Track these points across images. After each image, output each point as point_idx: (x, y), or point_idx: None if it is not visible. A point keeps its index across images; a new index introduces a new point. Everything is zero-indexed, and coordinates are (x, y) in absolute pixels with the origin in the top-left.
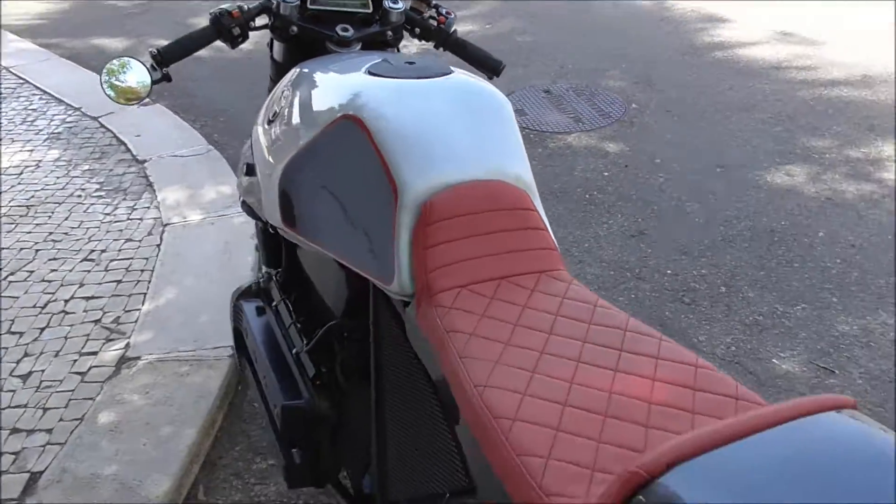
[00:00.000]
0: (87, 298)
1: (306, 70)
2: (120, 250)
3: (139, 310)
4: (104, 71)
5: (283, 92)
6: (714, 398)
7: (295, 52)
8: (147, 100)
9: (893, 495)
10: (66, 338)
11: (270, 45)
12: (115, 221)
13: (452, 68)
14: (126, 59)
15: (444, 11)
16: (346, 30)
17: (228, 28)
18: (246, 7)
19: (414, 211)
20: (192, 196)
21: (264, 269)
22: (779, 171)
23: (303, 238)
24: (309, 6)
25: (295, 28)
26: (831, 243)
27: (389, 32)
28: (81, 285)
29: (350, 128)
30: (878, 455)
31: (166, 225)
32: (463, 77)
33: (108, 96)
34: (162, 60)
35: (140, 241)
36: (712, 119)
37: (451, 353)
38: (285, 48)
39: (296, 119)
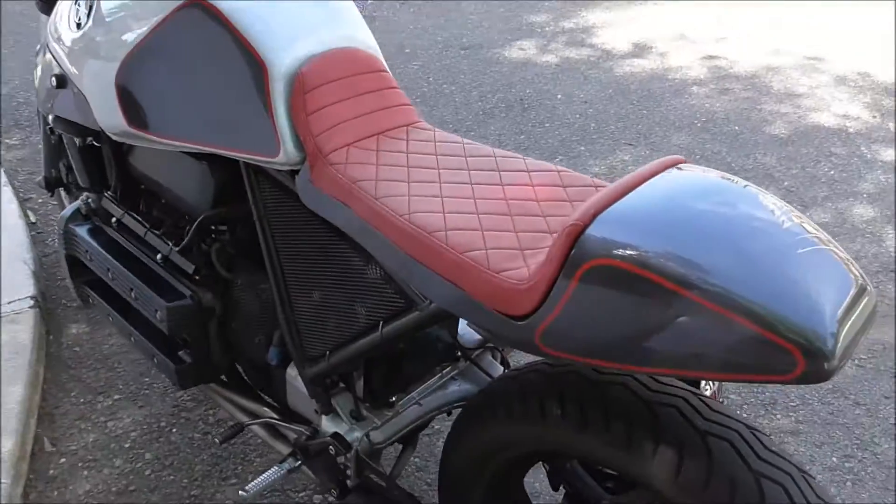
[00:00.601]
0: None
1: None
2: None
3: None
4: None
5: None
6: (579, 189)
7: None
8: None
9: (733, 204)
10: None
11: None
12: None
13: None
14: None
15: None
16: None
17: None
18: None
19: (286, 82)
20: None
21: (86, 192)
22: (513, 46)
23: (156, 137)
24: None
25: None
26: (569, 102)
27: None
28: None
29: (197, 13)
30: (716, 183)
31: None
32: None
33: None
34: None
35: None
36: (445, 6)
37: (366, 199)
38: None
39: (121, 15)
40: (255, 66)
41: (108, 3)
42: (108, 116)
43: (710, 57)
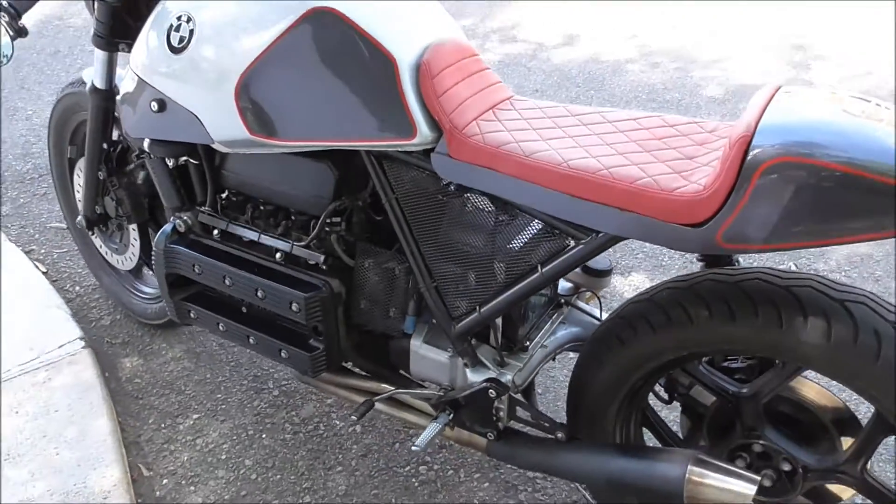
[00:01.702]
0: None
1: None
2: None
3: None
4: None
5: (180, 18)
6: (683, 125)
7: None
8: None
9: (840, 106)
10: None
11: None
12: None
13: None
14: None
15: None
16: None
17: None
18: None
19: (412, 72)
20: None
21: (177, 212)
22: None
23: (282, 141)
24: None
25: None
26: (522, 92)
27: None
28: None
29: (325, 18)
30: (820, 94)
31: None
32: None
33: None
34: (17, 14)
35: None
36: None
37: (517, 158)
38: None
39: (233, 32)
40: (384, 61)
41: (212, 25)
42: (225, 129)
43: (634, 36)
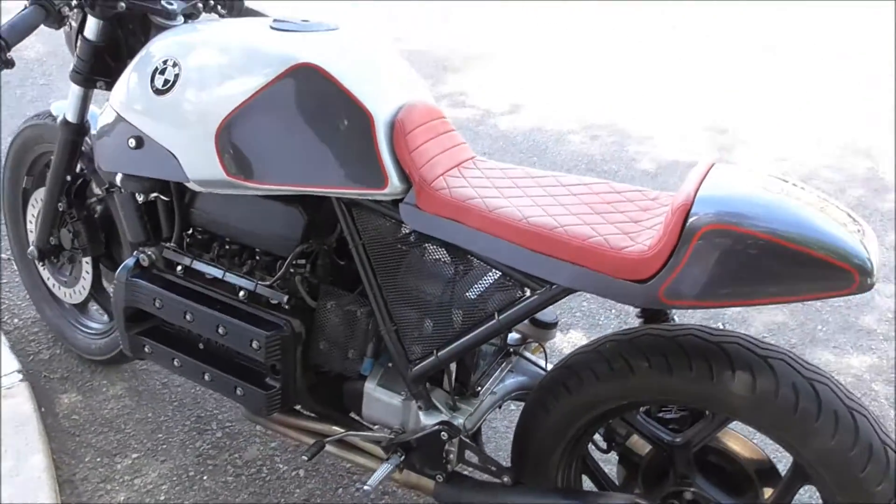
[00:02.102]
0: None
1: (186, 39)
2: None
3: None
4: None
5: (165, 62)
6: (630, 192)
7: (114, 29)
8: None
9: (770, 184)
10: None
11: (80, 28)
12: None
13: (334, 23)
14: None
15: None
16: (170, 3)
17: (58, 9)
18: None
19: (387, 128)
20: None
21: (140, 246)
22: None
23: (257, 184)
24: None
25: (123, 4)
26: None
27: (200, 4)
28: None
29: (308, 74)
30: (750, 174)
31: None
32: (352, 29)
33: None
34: (6, 46)
35: None
36: None
37: (480, 212)
38: (104, 26)
39: (218, 80)
40: (362, 116)
41: (198, 70)
42: (202, 169)
43: (575, 110)
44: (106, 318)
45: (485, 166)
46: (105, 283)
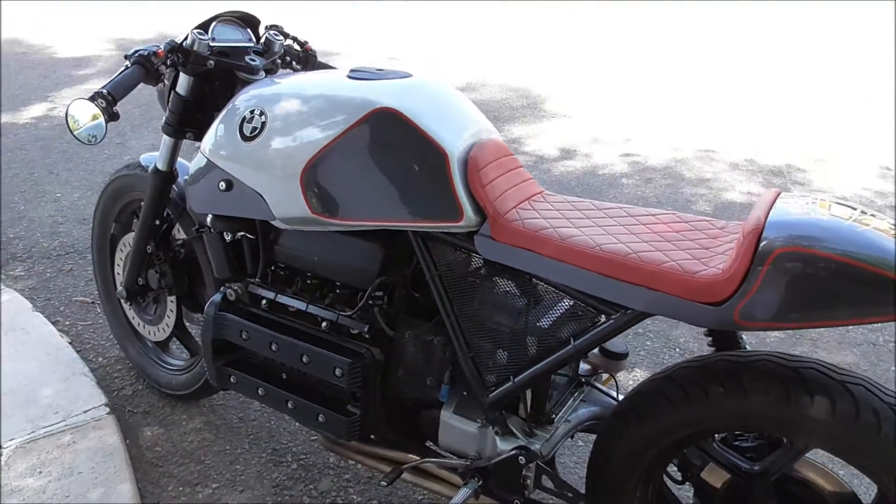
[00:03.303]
0: None
1: (271, 90)
2: None
3: None
4: (68, 117)
5: (252, 112)
6: (696, 222)
7: (202, 85)
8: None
9: (834, 210)
10: None
11: (172, 85)
12: None
13: (407, 70)
14: (85, 104)
15: (303, 41)
16: (253, 60)
17: (156, 67)
18: (164, 47)
19: (461, 165)
20: None
21: (227, 283)
22: None
23: (340, 220)
24: (212, 44)
25: (212, 62)
26: None
27: (279, 60)
28: None
29: (387, 118)
30: (812, 200)
31: None
32: (425, 74)
33: (79, 140)
34: (113, 101)
35: None
36: None
37: (554, 242)
38: (194, 82)
39: (303, 126)
40: (437, 154)
41: (283, 118)
42: (288, 208)
43: (626, 154)
44: (186, 354)
45: (553, 199)
46: (186, 322)
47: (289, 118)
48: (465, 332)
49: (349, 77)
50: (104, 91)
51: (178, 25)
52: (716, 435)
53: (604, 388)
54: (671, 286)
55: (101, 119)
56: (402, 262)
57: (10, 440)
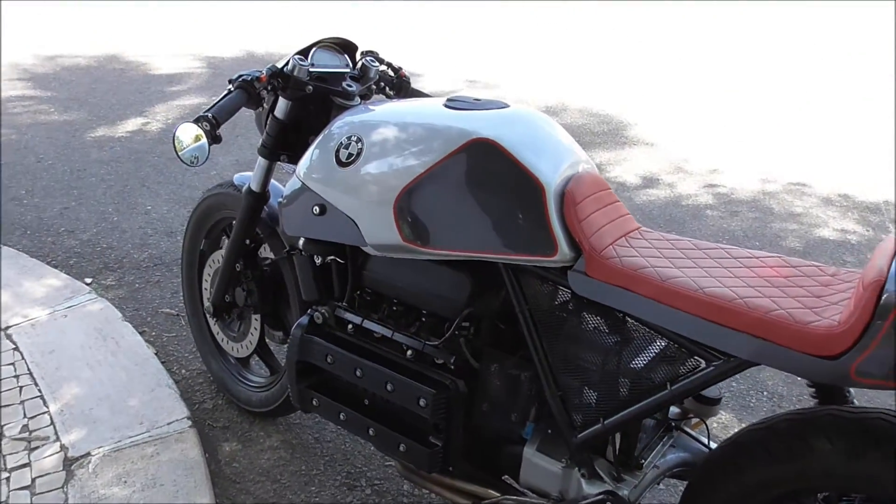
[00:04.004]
0: None
1: (368, 117)
2: None
3: (46, 412)
4: (175, 139)
5: (349, 138)
6: (804, 267)
7: (299, 109)
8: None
9: None
10: None
11: (271, 109)
12: None
13: (507, 102)
14: (190, 127)
15: (397, 67)
16: (350, 86)
17: (258, 91)
18: (266, 72)
19: (557, 198)
20: (17, 295)
21: (314, 306)
22: None
23: (432, 249)
24: (311, 70)
25: (310, 87)
26: None
27: (373, 86)
28: None
29: (484, 148)
30: None
31: (7, 328)
32: (521, 106)
33: (182, 161)
34: (216, 124)
35: None
36: None
37: (654, 281)
38: (292, 106)
39: (399, 154)
40: (534, 187)
41: (380, 145)
42: (380, 234)
43: (711, 185)
44: (266, 372)
45: (651, 237)
46: (267, 340)
47: (385, 145)
48: (554, 370)
49: (446, 106)
50: (208, 115)
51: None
52: (819, 494)
53: (694, 434)
54: (780, 335)
55: (204, 141)
56: (491, 293)
57: (99, 448)
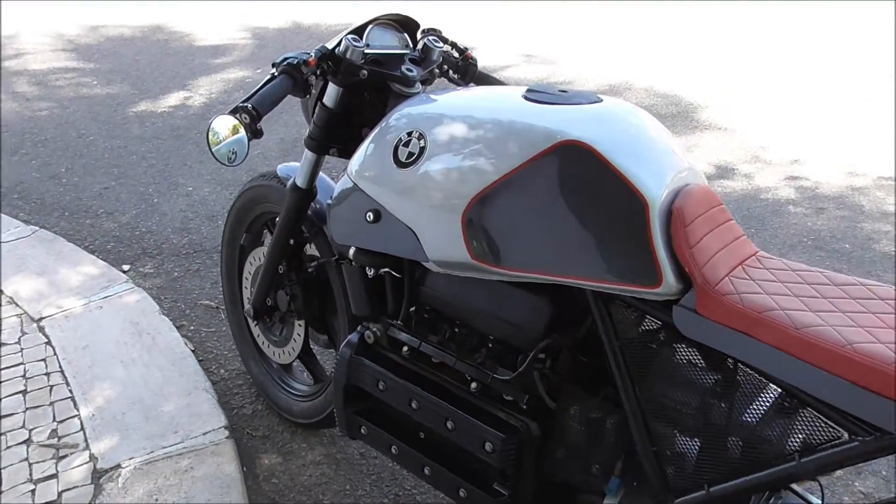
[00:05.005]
0: None
1: (433, 109)
2: None
3: (77, 416)
4: (209, 132)
5: (410, 134)
6: None
7: (351, 97)
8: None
9: None
10: None
11: (319, 96)
12: None
13: (599, 95)
14: (226, 119)
15: (463, 48)
16: (410, 70)
17: (306, 78)
18: (314, 54)
19: (663, 217)
20: (52, 283)
21: (365, 322)
22: None
23: (507, 270)
24: (366, 52)
25: (365, 72)
26: None
27: (436, 70)
28: None
29: (575, 153)
30: None
31: (40, 319)
32: (617, 100)
33: (217, 158)
34: (257, 116)
35: (17, 341)
36: None
37: (783, 328)
38: (343, 93)
39: (472, 156)
40: (635, 202)
41: (447, 145)
42: (444, 250)
43: (793, 177)
44: (310, 379)
45: (772, 265)
46: (311, 343)
47: (453, 144)
48: (648, 419)
49: (527, 98)
50: (248, 105)
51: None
52: None
53: (802, 492)
54: None
55: (243, 135)
56: (574, 321)
57: (130, 459)
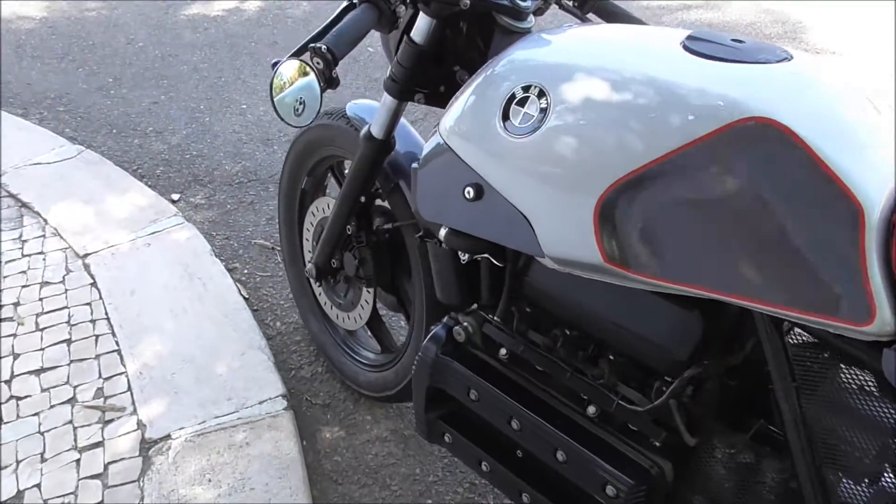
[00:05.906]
0: (37, 372)
1: (557, 57)
2: (41, 299)
3: (124, 373)
4: (276, 75)
5: (525, 89)
6: None
7: (443, 31)
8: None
9: None
10: (41, 433)
11: (405, 29)
12: (9, 261)
13: (786, 49)
14: (294, 64)
15: None
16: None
17: (393, 8)
18: None
19: (882, 231)
20: (98, 213)
21: (453, 312)
22: None
23: (656, 280)
24: None
25: (467, 1)
26: None
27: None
28: (16, 356)
29: (764, 135)
30: None
31: (85, 256)
32: (814, 58)
33: (279, 114)
34: (334, 60)
35: (62, 281)
36: None
37: None
38: (436, 26)
39: (614, 127)
40: (848, 210)
41: (578, 109)
42: (567, 245)
43: None
44: (378, 346)
45: None
46: (379, 305)
47: (587, 110)
48: (827, 478)
49: (688, 50)
50: (321, 46)
51: None
52: None
53: None
54: None
55: (314, 79)
56: (730, 345)
57: (181, 429)
